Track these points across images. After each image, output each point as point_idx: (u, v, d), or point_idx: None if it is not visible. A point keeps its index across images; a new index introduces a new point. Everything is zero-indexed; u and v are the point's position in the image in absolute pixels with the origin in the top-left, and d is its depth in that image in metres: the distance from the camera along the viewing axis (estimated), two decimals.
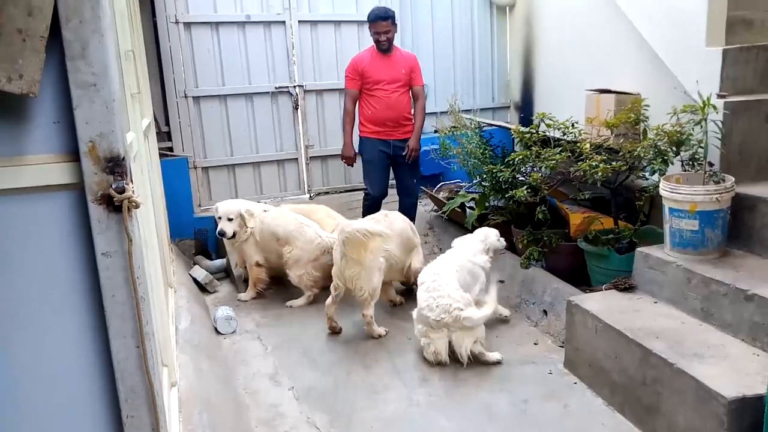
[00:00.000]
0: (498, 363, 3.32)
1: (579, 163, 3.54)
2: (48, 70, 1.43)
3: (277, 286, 4.65)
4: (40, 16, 1.37)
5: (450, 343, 3.28)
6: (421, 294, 3.41)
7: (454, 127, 5.31)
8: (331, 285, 3.77)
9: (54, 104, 1.47)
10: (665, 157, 3.28)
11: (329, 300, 3.78)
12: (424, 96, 4.99)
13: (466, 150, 4.97)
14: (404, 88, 4.87)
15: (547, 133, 3.92)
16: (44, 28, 1.38)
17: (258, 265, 4.47)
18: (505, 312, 3.85)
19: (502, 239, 4.03)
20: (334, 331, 3.83)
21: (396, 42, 5.75)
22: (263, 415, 3.00)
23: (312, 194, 5.86)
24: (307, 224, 4.42)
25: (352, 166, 5.10)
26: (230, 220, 4.40)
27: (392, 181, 5.11)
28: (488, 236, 3.95)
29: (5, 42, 1.35)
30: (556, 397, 3.02)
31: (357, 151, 4.96)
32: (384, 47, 4.76)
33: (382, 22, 4.67)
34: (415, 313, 3.44)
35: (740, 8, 3.46)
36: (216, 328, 3.93)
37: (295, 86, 5.66)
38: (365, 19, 4.84)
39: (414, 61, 4.95)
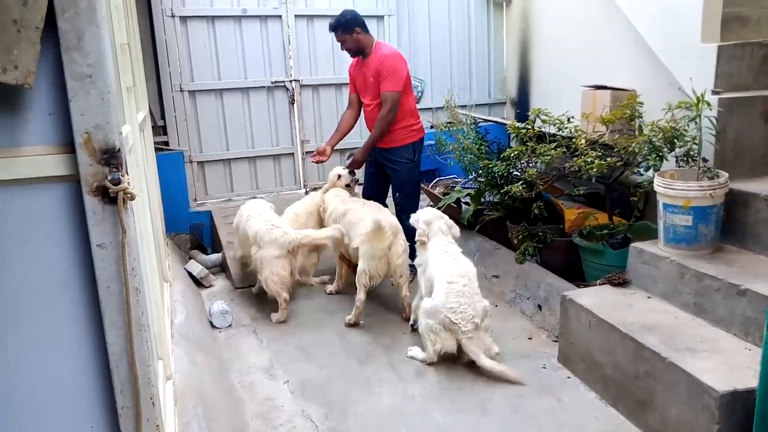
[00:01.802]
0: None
1: (574, 158, 3.56)
2: (43, 61, 1.43)
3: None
4: (35, 6, 1.37)
5: (459, 347, 3.21)
6: (447, 290, 3.21)
7: (450, 122, 5.32)
8: (363, 280, 3.78)
9: (49, 95, 1.47)
10: (660, 153, 3.29)
11: (363, 295, 3.80)
12: (392, 102, 4.13)
13: (462, 146, 4.97)
14: (379, 98, 4.22)
15: (543, 129, 3.93)
16: (39, 19, 1.38)
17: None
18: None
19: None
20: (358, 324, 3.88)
21: (392, 39, 5.74)
22: (258, 409, 3.01)
23: (308, 189, 5.86)
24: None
25: (315, 162, 4.60)
26: None
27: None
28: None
29: (0, 32, 1.34)
30: (550, 392, 3.04)
31: None
32: (351, 54, 4.35)
33: (334, 34, 4.28)
34: (425, 304, 3.28)
35: (735, 5, 3.48)
36: (211, 322, 3.94)
37: (291, 81, 5.65)
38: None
39: (382, 62, 4.13)
